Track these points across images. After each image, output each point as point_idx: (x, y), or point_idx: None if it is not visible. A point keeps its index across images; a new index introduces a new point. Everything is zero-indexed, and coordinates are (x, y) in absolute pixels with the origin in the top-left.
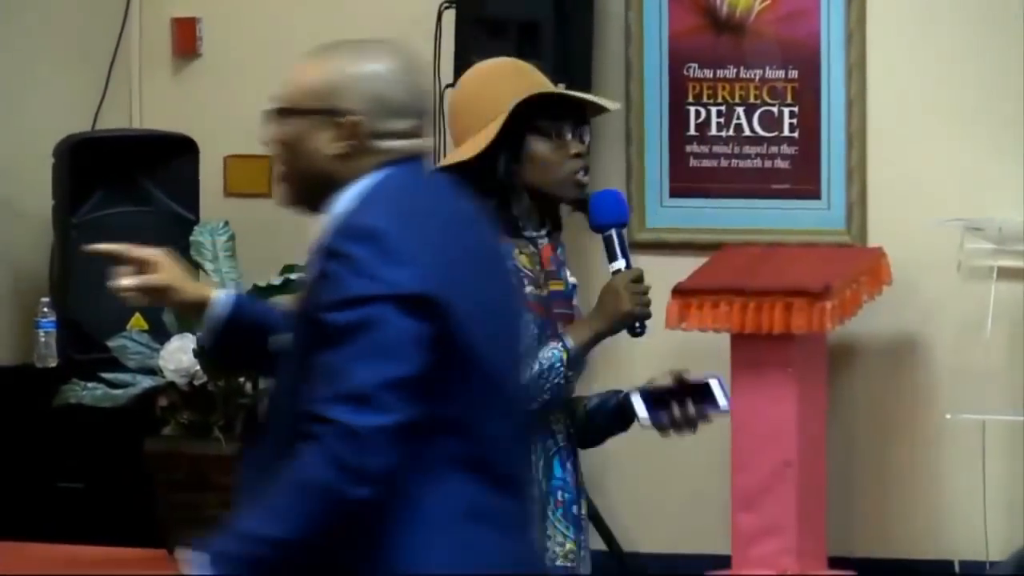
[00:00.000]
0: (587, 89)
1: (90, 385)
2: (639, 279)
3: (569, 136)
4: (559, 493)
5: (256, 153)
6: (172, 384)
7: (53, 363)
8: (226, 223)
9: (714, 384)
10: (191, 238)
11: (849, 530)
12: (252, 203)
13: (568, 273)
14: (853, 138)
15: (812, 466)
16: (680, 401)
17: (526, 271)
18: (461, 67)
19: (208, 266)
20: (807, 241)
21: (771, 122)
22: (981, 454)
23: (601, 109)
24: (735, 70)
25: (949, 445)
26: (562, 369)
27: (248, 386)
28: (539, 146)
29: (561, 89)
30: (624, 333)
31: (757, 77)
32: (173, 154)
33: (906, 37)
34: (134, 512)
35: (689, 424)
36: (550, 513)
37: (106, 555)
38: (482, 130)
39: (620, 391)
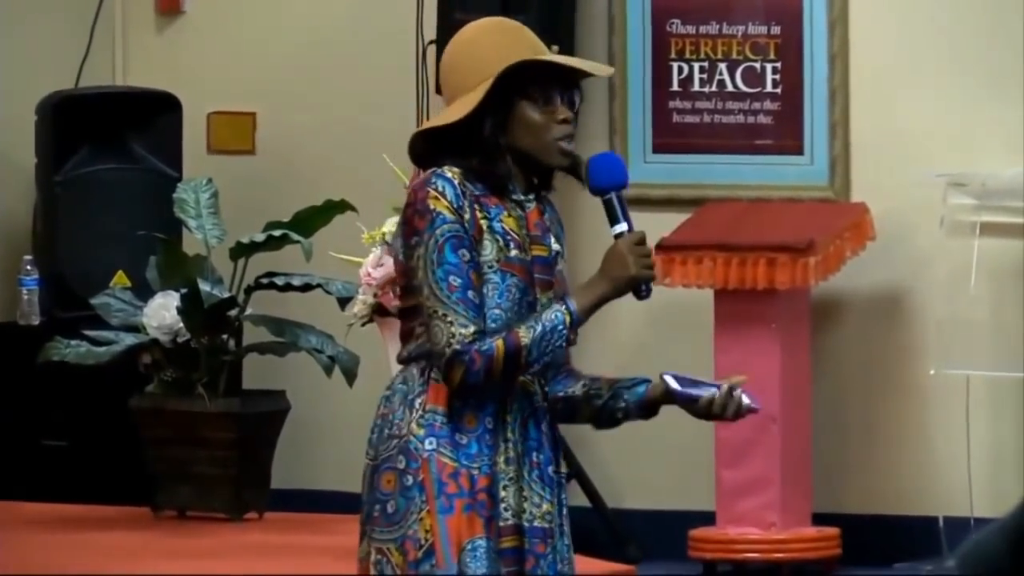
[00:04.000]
0: (571, 45)
1: (73, 342)
2: (642, 242)
3: (558, 101)
4: (534, 454)
5: (239, 110)
6: (155, 341)
7: (36, 321)
8: (209, 180)
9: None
10: (175, 195)
11: (834, 486)
12: (235, 160)
13: (553, 239)
14: (836, 93)
15: (796, 422)
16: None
17: (512, 234)
18: (444, 23)
19: (192, 223)
20: (790, 197)
21: (754, 78)
22: (965, 410)
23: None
24: (718, 26)
25: (933, 401)
26: (564, 332)
27: (232, 343)
28: (527, 111)
29: (554, 52)
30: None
31: (740, 33)
32: (156, 111)
33: None
34: (119, 469)
35: (727, 408)
36: (526, 474)
37: (92, 513)
38: (470, 92)
39: (648, 379)
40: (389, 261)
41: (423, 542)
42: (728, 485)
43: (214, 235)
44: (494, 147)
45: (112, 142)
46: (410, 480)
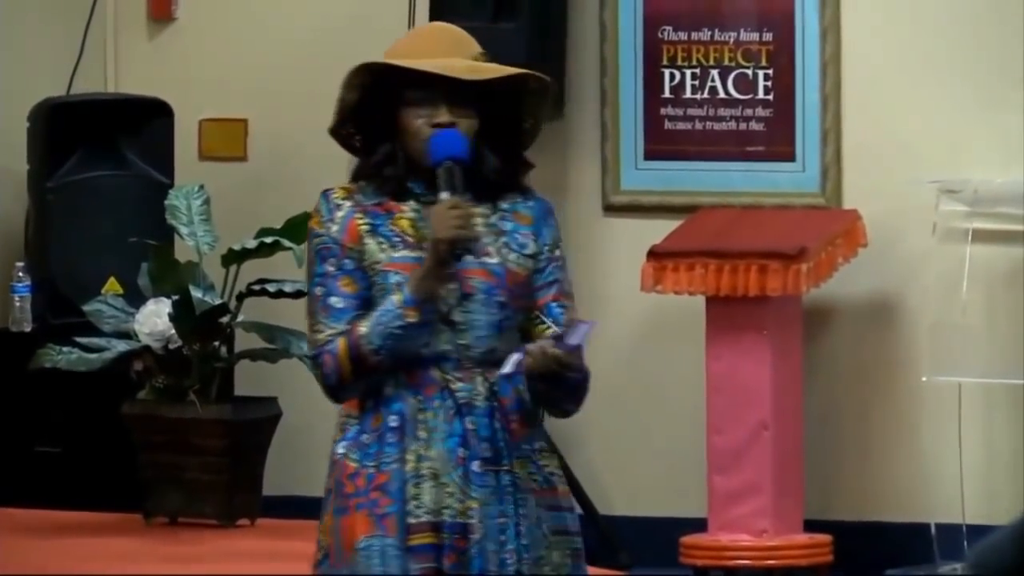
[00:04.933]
0: (562, 52)
1: (65, 349)
2: (455, 206)
3: (441, 104)
4: (459, 450)
5: (231, 117)
6: (147, 348)
7: (28, 327)
8: (201, 187)
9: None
10: (166, 202)
11: (825, 493)
12: (227, 167)
13: (500, 239)
14: (828, 100)
15: (788, 429)
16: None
17: (404, 234)
18: None
19: (183, 230)
20: (782, 203)
21: (746, 85)
22: (957, 417)
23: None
24: (710, 33)
25: (925, 408)
26: (397, 311)
27: (223, 350)
28: (406, 114)
29: (474, 56)
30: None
31: (732, 40)
32: (148, 118)
33: None
34: (111, 476)
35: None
36: (451, 470)
37: (84, 519)
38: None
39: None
40: None
41: (324, 544)
42: (720, 491)
43: (206, 242)
44: (383, 151)
45: (104, 149)
46: (327, 487)
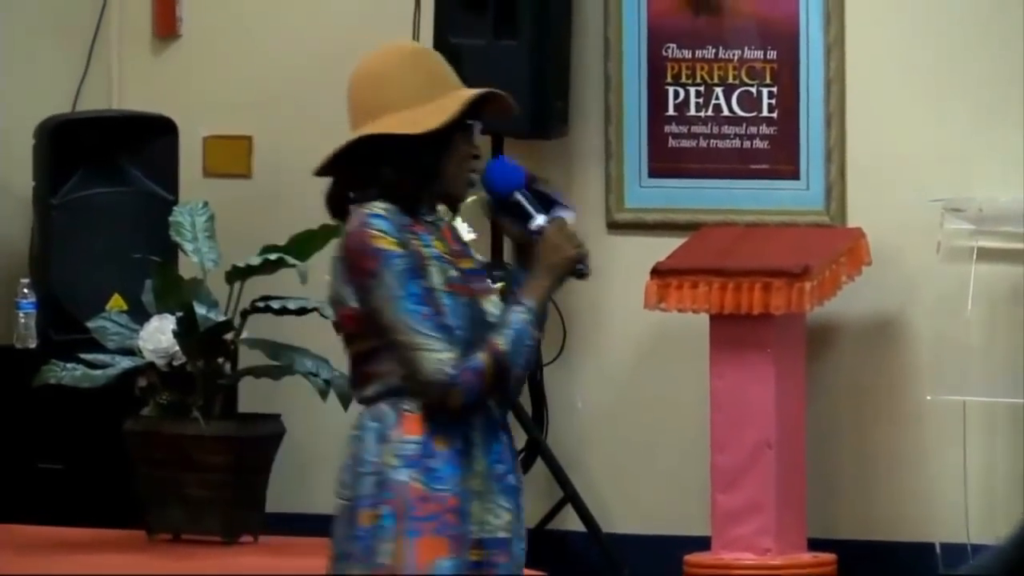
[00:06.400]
0: (566, 69)
1: (70, 366)
2: (563, 227)
3: (477, 136)
4: (497, 466)
5: (235, 134)
6: (151, 365)
7: (33, 344)
8: (205, 203)
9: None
10: (171, 218)
11: (829, 512)
12: (231, 183)
13: (473, 250)
14: (832, 118)
15: (791, 447)
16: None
17: (445, 256)
18: (439, 47)
19: (188, 247)
20: (786, 222)
21: (750, 102)
22: (962, 435)
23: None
24: (714, 50)
25: (930, 427)
26: (532, 331)
27: (227, 367)
28: (460, 141)
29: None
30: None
31: (736, 57)
32: (153, 134)
33: (885, 16)
34: (114, 492)
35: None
36: (493, 485)
37: (87, 536)
38: (420, 106)
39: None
40: None
41: (393, 568)
42: (723, 510)
43: (210, 258)
44: (431, 171)
45: (109, 165)
46: (385, 511)
